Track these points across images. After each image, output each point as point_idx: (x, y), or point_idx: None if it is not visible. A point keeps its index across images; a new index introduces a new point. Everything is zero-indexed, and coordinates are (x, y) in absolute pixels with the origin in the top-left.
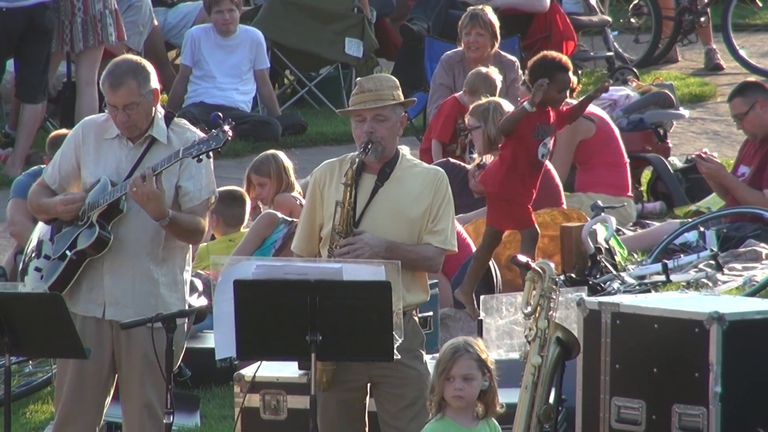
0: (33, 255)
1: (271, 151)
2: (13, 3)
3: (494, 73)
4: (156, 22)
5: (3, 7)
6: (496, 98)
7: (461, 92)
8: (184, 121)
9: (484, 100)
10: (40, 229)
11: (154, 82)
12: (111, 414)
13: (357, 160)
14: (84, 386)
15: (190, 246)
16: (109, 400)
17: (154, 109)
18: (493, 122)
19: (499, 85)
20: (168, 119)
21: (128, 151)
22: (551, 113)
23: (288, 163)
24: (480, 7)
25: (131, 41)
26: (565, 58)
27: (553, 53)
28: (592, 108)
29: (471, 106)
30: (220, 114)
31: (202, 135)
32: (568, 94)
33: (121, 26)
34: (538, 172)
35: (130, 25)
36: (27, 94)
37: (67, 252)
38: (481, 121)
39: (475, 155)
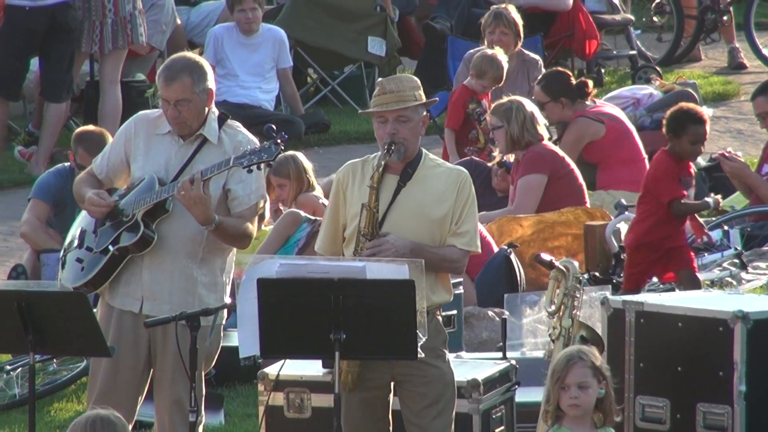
0: (75, 245)
1: (290, 152)
2: (36, 2)
3: (500, 54)
4: (179, 21)
5: (26, 6)
6: (518, 97)
7: (468, 78)
8: (237, 123)
9: (505, 99)
10: (82, 219)
11: (210, 82)
12: (141, 413)
13: (383, 162)
14: (119, 380)
15: (233, 250)
16: (142, 397)
17: (207, 109)
18: (516, 122)
19: (505, 66)
20: (221, 120)
21: (178, 148)
22: (690, 165)
23: (307, 164)
24: (503, 5)
25: (154, 40)
26: (700, 110)
27: (690, 105)
28: (605, 107)
29: (493, 105)
30: (274, 126)
31: (254, 140)
32: (701, 147)
33: (144, 27)
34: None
35: (152, 24)
36: (51, 93)
37: (110, 247)
38: (504, 120)
39: (496, 153)
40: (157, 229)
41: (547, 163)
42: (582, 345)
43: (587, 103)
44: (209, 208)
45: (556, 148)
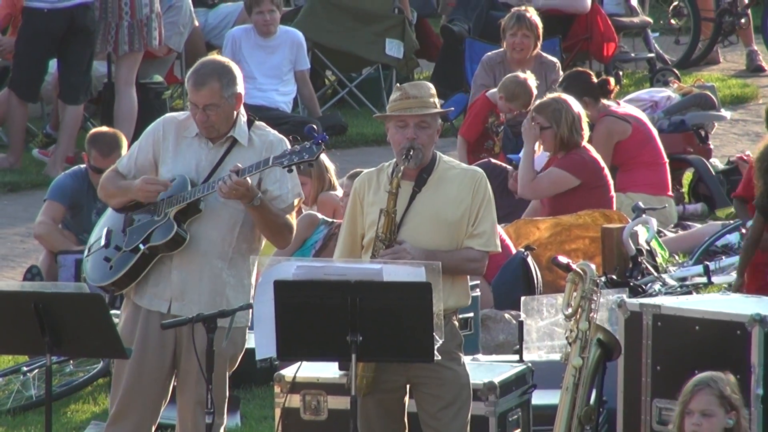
0: (102, 244)
1: None
2: (54, 4)
3: (531, 79)
4: (197, 23)
5: (45, 8)
6: (563, 96)
7: (492, 90)
8: (264, 125)
9: (549, 97)
10: (108, 218)
11: (239, 87)
12: (164, 416)
13: (402, 168)
14: (143, 381)
15: (258, 253)
16: (166, 400)
17: (235, 112)
18: (566, 123)
19: (535, 92)
20: (249, 122)
21: (208, 151)
22: None
23: (329, 164)
24: (524, 8)
25: (172, 42)
26: None
27: None
28: (628, 108)
29: (538, 103)
30: (315, 126)
31: (284, 139)
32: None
33: (162, 30)
34: None
35: (170, 26)
36: (69, 95)
37: (141, 245)
38: (552, 122)
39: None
40: (189, 229)
41: (587, 171)
42: (718, 373)
43: (610, 103)
44: (253, 190)
45: (599, 157)
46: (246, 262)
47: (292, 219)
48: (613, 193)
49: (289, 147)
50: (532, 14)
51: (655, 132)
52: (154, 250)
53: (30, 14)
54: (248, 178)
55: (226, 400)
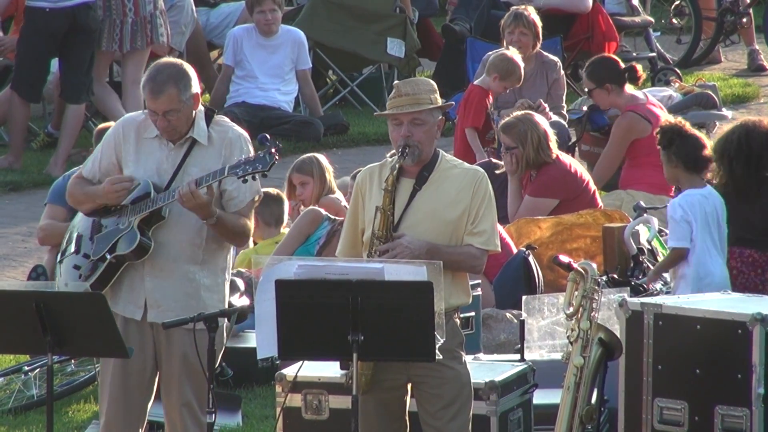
0: (73, 250)
1: (312, 153)
2: (56, 3)
3: (515, 54)
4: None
5: (46, 8)
6: (527, 114)
7: (482, 78)
8: (225, 119)
9: (513, 116)
10: (79, 223)
11: (195, 87)
12: (153, 413)
13: (397, 165)
14: (128, 387)
15: (232, 248)
16: (152, 400)
17: (194, 112)
18: (531, 144)
19: (521, 64)
20: (208, 117)
21: (169, 152)
22: None
23: (329, 166)
24: (523, 7)
25: (174, 41)
26: None
27: None
28: (654, 107)
29: (504, 123)
30: (267, 135)
31: (244, 134)
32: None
33: (168, 28)
34: None
35: (172, 25)
36: (71, 95)
37: (107, 255)
38: (518, 143)
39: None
40: (154, 236)
41: (560, 187)
42: None
43: (640, 96)
44: (210, 206)
45: (570, 163)
46: (219, 259)
47: (250, 220)
48: (593, 189)
49: (246, 149)
50: (531, 12)
51: None
52: (121, 259)
53: (32, 13)
54: (204, 190)
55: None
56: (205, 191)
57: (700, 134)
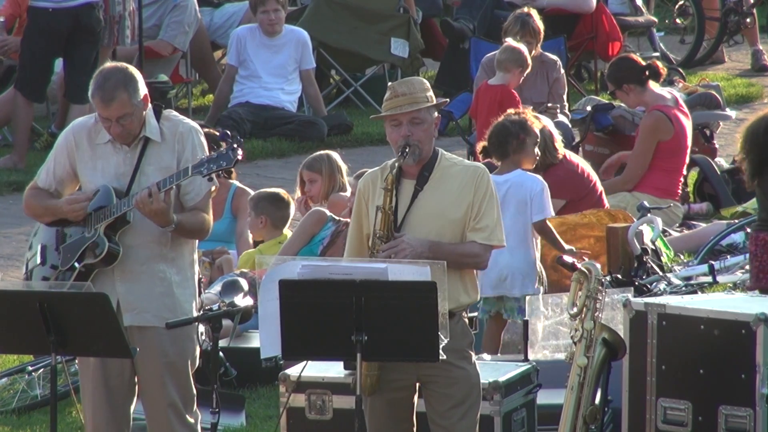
0: (39, 262)
1: (327, 151)
2: (59, 3)
3: (515, 43)
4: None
5: (50, 8)
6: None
7: (500, 77)
8: (174, 113)
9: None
10: (41, 234)
11: (143, 89)
12: (139, 411)
13: (396, 165)
14: (110, 387)
15: (196, 240)
16: (134, 402)
17: (144, 113)
18: (539, 146)
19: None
20: (157, 113)
21: (124, 154)
22: None
23: (342, 165)
24: (526, 10)
25: (177, 41)
26: None
27: None
28: (680, 112)
29: None
30: (229, 132)
31: (194, 125)
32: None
33: (134, 27)
34: None
35: (175, 25)
36: (75, 95)
37: (76, 264)
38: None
39: None
40: (121, 240)
41: (566, 188)
42: None
43: (667, 96)
44: (169, 213)
45: (578, 162)
46: (185, 253)
47: (209, 213)
48: (600, 190)
49: (198, 141)
50: (535, 17)
51: (689, 141)
52: (90, 267)
53: (35, 13)
54: (161, 195)
55: (195, 397)
56: (162, 197)
57: None
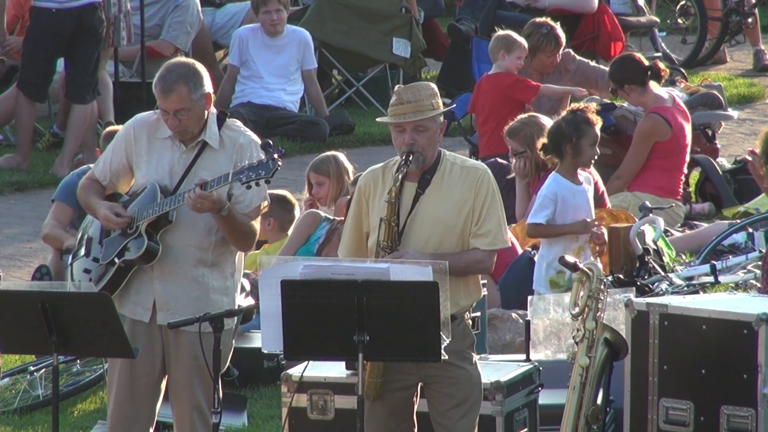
0: (83, 253)
1: (333, 152)
2: (62, 4)
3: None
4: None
5: (52, 8)
6: (533, 116)
7: (501, 64)
8: (238, 123)
9: (518, 120)
10: (89, 225)
11: (207, 86)
12: (162, 414)
13: (400, 177)
14: (135, 387)
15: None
16: (160, 403)
17: (206, 112)
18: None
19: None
20: (220, 120)
21: (180, 153)
22: None
23: (348, 166)
24: (545, 19)
25: (179, 41)
26: None
27: None
28: (678, 112)
29: (509, 128)
30: (270, 141)
31: (256, 139)
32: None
33: (131, 28)
34: None
35: (177, 25)
36: (76, 95)
37: (116, 259)
38: (526, 146)
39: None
40: (162, 240)
41: None
42: None
43: (665, 97)
44: (222, 199)
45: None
46: (228, 261)
47: (257, 224)
48: (602, 190)
49: (257, 155)
50: (557, 29)
51: (689, 141)
52: (130, 263)
53: (38, 14)
54: (214, 192)
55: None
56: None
57: None
